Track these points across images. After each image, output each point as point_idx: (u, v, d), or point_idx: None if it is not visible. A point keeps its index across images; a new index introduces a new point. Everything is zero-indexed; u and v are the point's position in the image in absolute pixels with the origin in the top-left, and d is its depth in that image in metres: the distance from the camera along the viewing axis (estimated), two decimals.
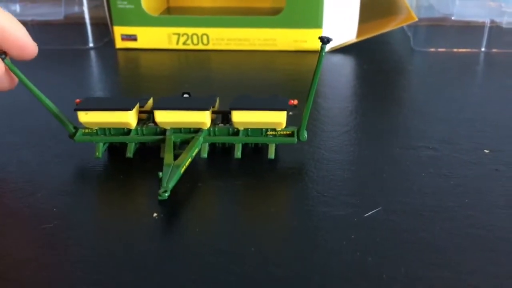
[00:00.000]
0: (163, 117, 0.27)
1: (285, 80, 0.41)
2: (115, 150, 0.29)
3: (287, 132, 0.27)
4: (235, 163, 0.28)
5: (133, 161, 0.28)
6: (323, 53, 0.25)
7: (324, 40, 0.25)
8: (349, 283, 0.19)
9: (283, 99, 0.27)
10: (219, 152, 0.29)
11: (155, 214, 0.23)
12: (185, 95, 0.29)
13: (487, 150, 0.28)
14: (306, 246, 0.21)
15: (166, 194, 0.23)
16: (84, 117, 0.27)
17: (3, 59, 0.25)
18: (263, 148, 0.29)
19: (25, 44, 0.27)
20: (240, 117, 0.27)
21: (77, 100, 0.28)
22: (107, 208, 0.24)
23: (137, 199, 0.25)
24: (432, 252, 0.21)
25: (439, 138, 0.30)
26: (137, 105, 0.28)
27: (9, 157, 0.29)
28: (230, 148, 0.29)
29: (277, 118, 0.27)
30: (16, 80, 0.27)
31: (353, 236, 0.22)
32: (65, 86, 0.40)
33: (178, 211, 0.24)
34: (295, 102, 0.27)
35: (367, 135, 0.31)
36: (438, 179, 0.26)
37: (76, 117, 0.27)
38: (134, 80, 0.42)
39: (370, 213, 0.23)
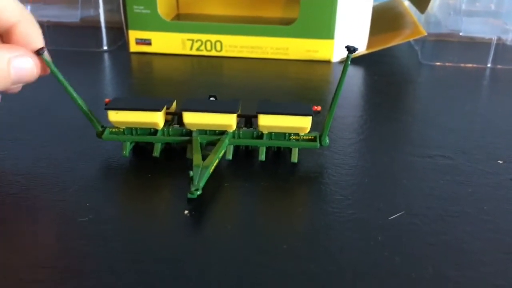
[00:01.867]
0: (191, 118, 0.28)
1: (297, 88, 0.42)
2: (139, 150, 0.30)
3: (310, 137, 0.28)
4: (258, 166, 0.29)
5: (158, 160, 0.29)
6: (349, 62, 0.26)
7: (351, 49, 0.26)
8: (380, 281, 0.20)
9: (307, 106, 0.28)
10: (242, 155, 0.30)
11: (186, 211, 0.24)
12: (211, 98, 0.29)
13: (501, 160, 0.29)
14: (336, 245, 0.22)
15: (198, 192, 0.24)
16: (114, 116, 0.27)
17: (41, 54, 0.26)
18: (284, 151, 0.30)
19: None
20: (266, 121, 0.27)
21: (107, 100, 0.28)
22: (138, 204, 0.25)
23: (166, 197, 0.26)
24: (456, 253, 0.22)
25: (454, 147, 0.31)
26: (165, 107, 0.28)
27: (38, 154, 0.29)
28: (252, 151, 0.30)
29: (302, 123, 0.27)
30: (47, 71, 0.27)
31: (379, 238, 0.22)
32: (78, 87, 0.40)
33: (207, 209, 0.24)
34: (319, 108, 0.28)
35: (383, 143, 0.32)
36: (456, 186, 0.27)
37: (102, 115, 0.28)
38: (148, 83, 0.43)
39: (394, 216, 0.24)
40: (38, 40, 0.26)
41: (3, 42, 0.26)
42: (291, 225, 0.23)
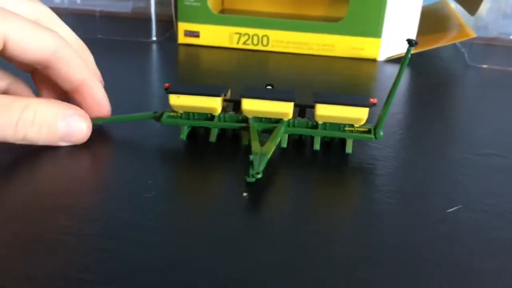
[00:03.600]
0: (249, 105, 0.28)
1: (343, 85, 0.42)
2: (194, 135, 0.30)
3: (364, 129, 0.28)
4: (311, 155, 0.29)
5: (213, 145, 0.29)
6: (409, 55, 0.26)
7: (412, 43, 0.26)
8: (442, 270, 0.20)
9: (363, 97, 0.28)
10: (295, 144, 0.30)
11: (245, 194, 0.24)
12: (268, 87, 0.30)
13: None
14: (395, 233, 0.22)
15: (259, 176, 0.24)
16: (176, 100, 0.28)
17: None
18: (336, 142, 0.30)
19: (102, 103, 0.29)
20: (324, 111, 0.28)
21: (166, 85, 0.29)
22: (197, 184, 0.25)
23: (223, 179, 0.26)
24: None
25: (508, 147, 0.31)
26: (223, 93, 0.29)
27: (94, 136, 0.30)
28: (304, 140, 0.30)
29: (359, 114, 0.28)
30: None
31: (439, 229, 0.22)
32: (127, 76, 0.42)
33: (265, 194, 0.25)
34: (375, 100, 0.28)
35: (434, 140, 0.32)
36: None
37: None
38: (194, 74, 0.44)
39: (452, 209, 0.24)
40: (102, 96, 0.29)
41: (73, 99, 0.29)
42: (348, 212, 0.24)
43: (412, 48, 0.26)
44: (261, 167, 0.25)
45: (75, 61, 0.27)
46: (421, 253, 0.21)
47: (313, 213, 0.23)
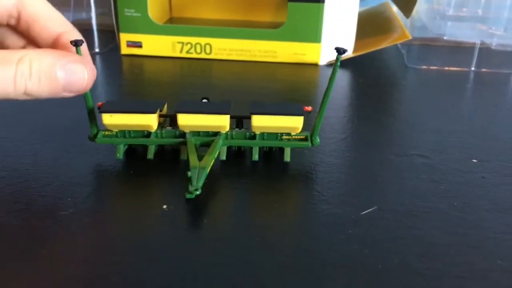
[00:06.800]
0: (185, 120, 0.28)
1: (285, 90, 0.43)
2: (132, 151, 0.30)
3: (301, 137, 0.29)
4: (247, 165, 0.29)
5: (151, 162, 0.29)
6: (339, 63, 0.26)
7: (340, 51, 0.26)
8: (347, 271, 0.21)
9: (298, 106, 0.29)
10: (234, 155, 0.30)
11: (165, 206, 0.25)
12: (204, 100, 0.30)
13: (475, 160, 0.30)
14: (307, 238, 0.23)
15: (197, 192, 0.24)
16: (109, 119, 0.28)
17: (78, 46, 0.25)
18: (276, 151, 0.30)
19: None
20: (260, 122, 0.28)
21: (99, 103, 0.28)
22: (121, 199, 0.25)
23: (151, 193, 0.26)
24: (424, 246, 0.22)
25: (431, 147, 0.32)
26: (159, 109, 0.29)
27: (24, 152, 0.30)
28: (244, 152, 0.30)
29: (295, 123, 0.28)
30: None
31: (350, 231, 0.23)
32: None
33: (187, 205, 0.25)
34: (310, 108, 0.29)
35: (362, 143, 0.33)
36: (430, 184, 0.27)
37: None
38: (138, 85, 0.44)
39: (367, 211, 0.25)
40: (84, 52, 0.27)
41: None
42: (267, 219, 0.24)
43: (341, 56, 0.26)
44: (200, 183, 0.25)
45: (47, 11, 0.26)
46: (328, 256, 0.21)
47: (230, 222, 0.24)
